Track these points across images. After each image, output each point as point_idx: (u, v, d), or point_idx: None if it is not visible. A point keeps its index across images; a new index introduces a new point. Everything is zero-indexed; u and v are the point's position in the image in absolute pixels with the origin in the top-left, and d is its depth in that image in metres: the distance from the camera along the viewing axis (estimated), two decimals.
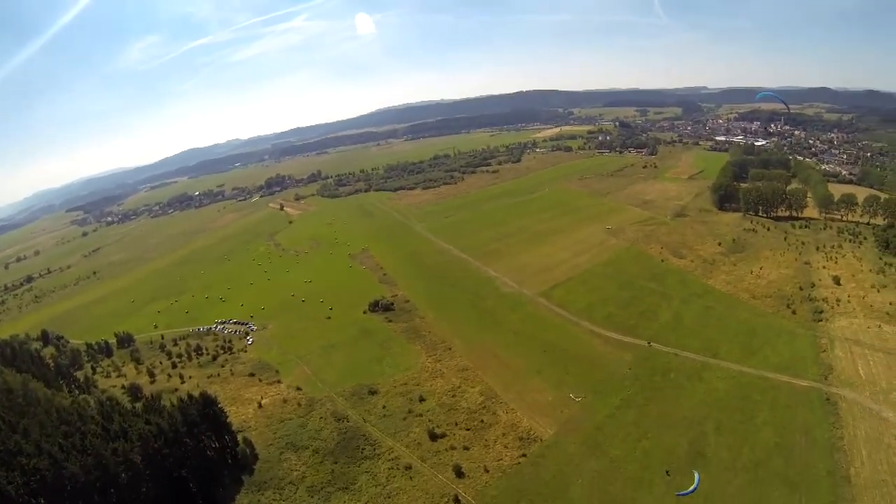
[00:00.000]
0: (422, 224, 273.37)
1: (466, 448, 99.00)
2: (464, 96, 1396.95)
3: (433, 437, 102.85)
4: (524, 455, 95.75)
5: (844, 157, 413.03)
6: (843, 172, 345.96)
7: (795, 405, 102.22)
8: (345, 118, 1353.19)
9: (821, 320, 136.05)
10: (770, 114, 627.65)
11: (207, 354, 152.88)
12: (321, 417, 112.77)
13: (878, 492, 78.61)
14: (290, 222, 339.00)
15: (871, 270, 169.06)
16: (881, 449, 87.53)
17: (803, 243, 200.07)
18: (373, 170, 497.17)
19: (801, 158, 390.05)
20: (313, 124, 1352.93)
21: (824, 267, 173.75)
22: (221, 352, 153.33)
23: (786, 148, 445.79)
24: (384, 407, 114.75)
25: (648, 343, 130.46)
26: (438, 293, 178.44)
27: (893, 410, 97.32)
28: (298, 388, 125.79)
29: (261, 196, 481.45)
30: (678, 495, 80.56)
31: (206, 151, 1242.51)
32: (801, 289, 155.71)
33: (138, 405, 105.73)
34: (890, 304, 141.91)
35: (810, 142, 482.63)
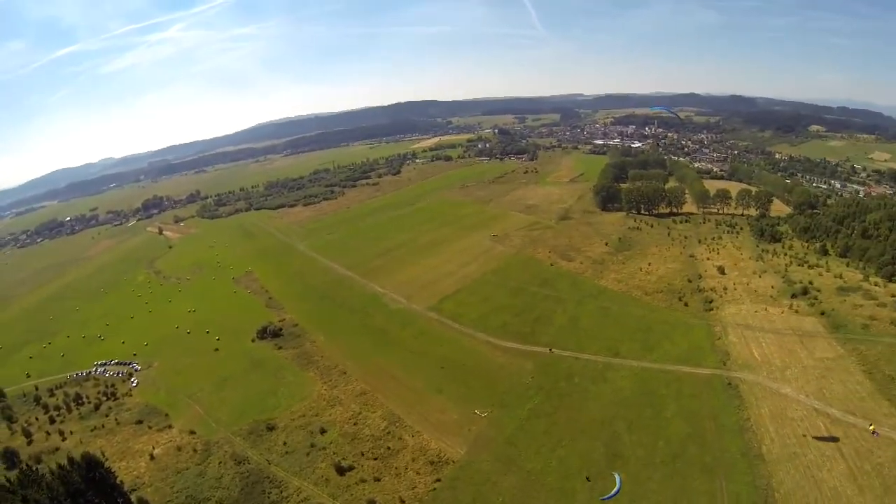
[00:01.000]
0: (304, 242, 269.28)
1: (377, 479, 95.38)
2: (343, 109, 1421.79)
3: (340, 470, 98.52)
4: (438, 480, 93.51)
5: (715, 155, 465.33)
6: (715, 169, 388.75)
7: (700, 393, 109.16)
8: (223, 134, 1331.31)
9: (712, 309, 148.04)
10: (644, 118, 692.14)
11: (89, 403, 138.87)
12: (220, 462, 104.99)
13: (791, 464, 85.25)
14: (170, 247, 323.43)
15: (750, 258, 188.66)
16: (786, 424, 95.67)
17: (686, 237, 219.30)
18: (253, 187, 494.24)
19: (675, 158, 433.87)
20: (190, 141, 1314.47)
21: (708, 258, 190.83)
22: (104, 398, 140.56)
23: (661, 149, 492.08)
24: (285, 443, 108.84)
25: (549, 349, 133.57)
26: (327, 314, 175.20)
27: (791, 386, 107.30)
28: (192, 432, 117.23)
29: (138, 220, 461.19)
30: (603, 500, 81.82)
31: (78, 172, 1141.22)
32: (689, 281, 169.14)
33: (13, 475, 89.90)
34: (772, 287, 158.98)
35: (683, 142, 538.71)
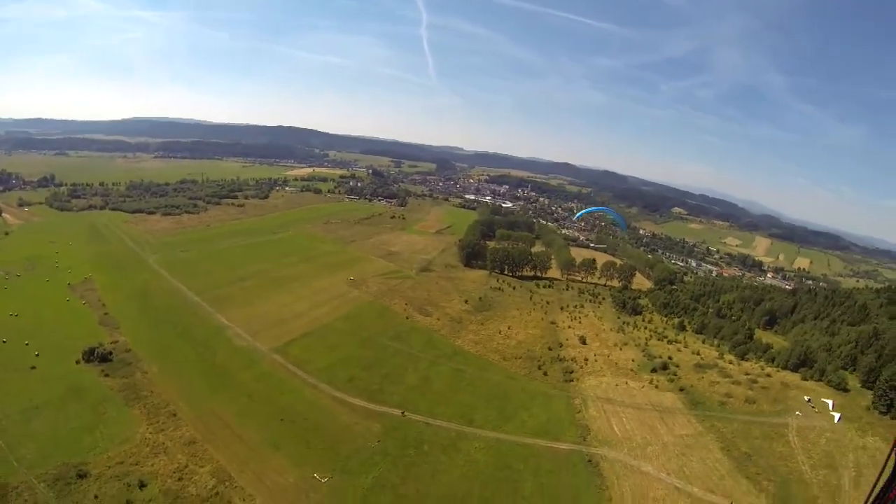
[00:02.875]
0: (156, 256, 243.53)
1: None
2: (224, 121, 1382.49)
3: None
4: None
5: (583, 224, 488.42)
6: (582, 237, 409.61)
7: (559, 470, 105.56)
8: (95, 119, 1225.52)
9: (572, 380, 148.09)
10: (519, 180, 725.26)
11: None
12: None
13: None
14: (7, 233, 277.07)
15: (611, 329, 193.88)
16: (648, 503, 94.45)
17: (548, 302, 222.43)
18: (114, 185, 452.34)
19: (544, 222, 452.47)
20: (59, 119, 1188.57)
21: (570, 326, 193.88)
22: None
23: (531, 212, 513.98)
24: (96, 497, 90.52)
25: (402, 413, 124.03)
26: (165, 342, 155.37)
27: (652, 464, 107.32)
28: None
29: None
30: None
31: None
32: (549, 349, 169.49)
33: None
34: (632, 360, 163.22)
35: (553, 208, 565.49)
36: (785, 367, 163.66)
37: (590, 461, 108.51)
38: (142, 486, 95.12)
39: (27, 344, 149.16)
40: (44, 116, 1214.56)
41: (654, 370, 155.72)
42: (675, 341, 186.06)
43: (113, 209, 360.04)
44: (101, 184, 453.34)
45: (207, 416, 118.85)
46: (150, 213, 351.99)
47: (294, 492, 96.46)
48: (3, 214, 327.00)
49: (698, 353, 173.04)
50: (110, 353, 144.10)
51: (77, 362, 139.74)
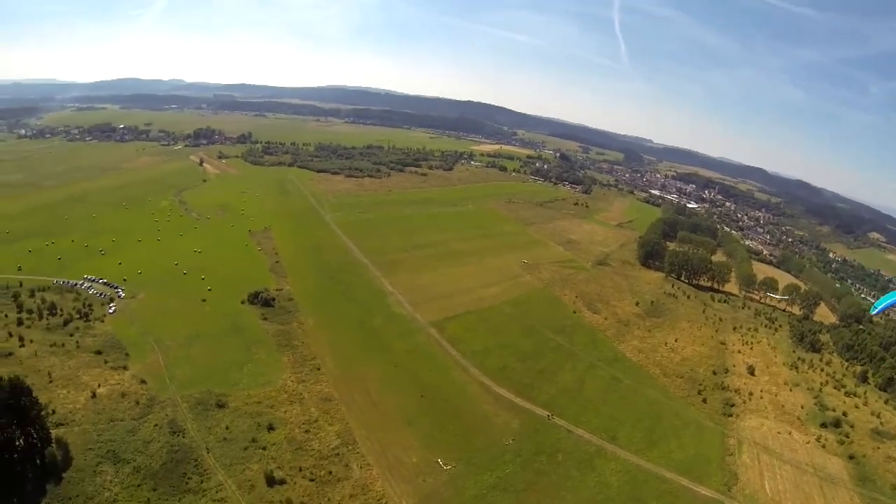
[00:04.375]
0: (334, 214, 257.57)
1: None
2: (415, 93, 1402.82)
3: (271, 481, 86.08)
4: None
5: (768, 237, 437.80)
6: (765, 252, 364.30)
7: None
8: (293, 86, 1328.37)
9: (731, 415, 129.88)
10: (706, 180, 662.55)
11: (60, 316, 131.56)
12: (156, 425, 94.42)
13: None
14: (205, 181, 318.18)
15: (784, 364, 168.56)
16: None
17: (721, 319, 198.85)
18: (304, 145, 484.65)
19: (728, 230, 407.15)
20: (261, 84, 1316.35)
21: (739, 351, 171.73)
22: (76, 316, 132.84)
23: (715, 216, 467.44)
24: (227, 428, 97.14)
25: (549, 416, 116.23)
26: (326, 298, 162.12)
27: None
28: (143, 382, 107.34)
29: (185, 145, 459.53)
30: None
31: (146, 85, 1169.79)
32: (714, 373, 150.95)
33: None
34: (801, 407, 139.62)
35: (738, 215, 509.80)
36: None
37: None
38: (270, 428, 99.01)
39: (203, 278, 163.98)
40: (247, 82, 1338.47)
41: (824, 425, 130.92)
42: (854, 394, 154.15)
43: (300, 167, 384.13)
44: (293, 143, 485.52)
45: (349, 377, 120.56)
46: (335, 173, 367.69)
47: (413, 472, 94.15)
48: (204, 164, 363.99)
49: (879, 416, 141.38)
50: (273, 299, 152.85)
51: (242, 302, 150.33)
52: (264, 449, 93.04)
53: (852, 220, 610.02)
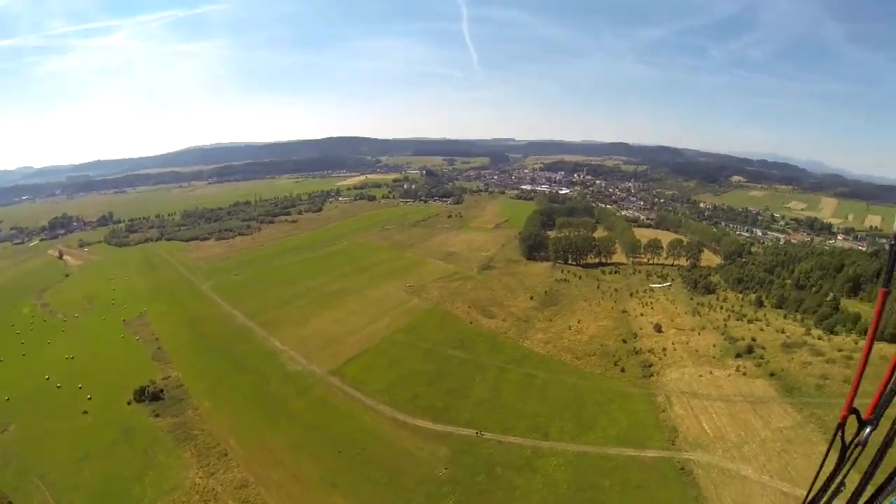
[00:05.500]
0: (209, 282, 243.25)
1: None
2: (275, 139, 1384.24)
3: None
4: None
5: (641, 203, 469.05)
6: (642, 217, 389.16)
7: (649, 483, 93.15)
8: (151, 154, 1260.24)
9: (651, 375, 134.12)
10: (574, 165, 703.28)
11: None
12: None
13: None
14: (67, 275, 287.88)
15: (686, 313, 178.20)
16: None
17: (616, 290, 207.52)
18: (169, 215, 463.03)
19: (603, 206, 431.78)
20: (116, 158, 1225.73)
21: (642, 314, 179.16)
22: None
23: (588, 196, 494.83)
24: None
25: (477, 433, 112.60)
26: (217, 374, 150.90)
27: (751, 466, 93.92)
28: None
29: (41, 240, 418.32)
30: None
31: None
32: (624, 341, 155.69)
33: None
34: (713, 345, 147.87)
35: (610, 190, 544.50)
36: (881, 339, 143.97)
37: (682, 469, 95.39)
38: None
39: (80, 387, 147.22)
40: (102, 158, 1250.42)
41: (738, 355, 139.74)
42: (756, 320, 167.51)
43: (168, 239, 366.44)
44: (157, 216, 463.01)
45: (260, 454, 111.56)
46: (205, 239, 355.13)
47: None
48: (65, 257, 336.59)
49: (783, 331, 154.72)
50: (161, 391, 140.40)
51: (129, 403, 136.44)
52: None
53: (714, 171, 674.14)
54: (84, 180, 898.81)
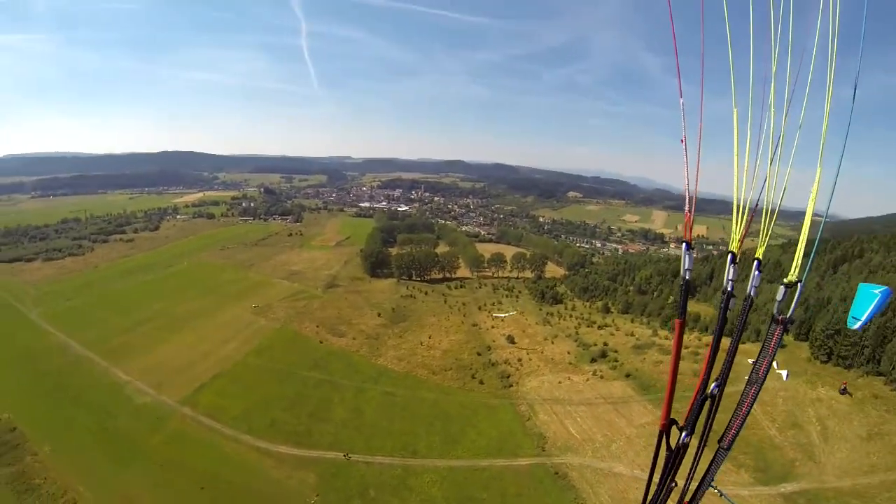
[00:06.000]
0: (38, 309, 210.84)
1: None
2: (106, 151, 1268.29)
3: None
4: None
5: (481, 219, 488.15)
6: (483, 233, 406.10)
7: (527, 491, 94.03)
8: None
9: (511, 385, 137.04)
10: (411, 182, 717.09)
11: None
12: None
13: None
14: None
15: (537, 323, 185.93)
16: None
17: (464, 304, 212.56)
18: None
19: (443, 222, 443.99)
20: None
21: (493, 326, 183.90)
22: None
23: (428, 213, 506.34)
24: None
25: (346, 455, 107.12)
26: (55, 414, 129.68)
27: (622, 462, 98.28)
28: None
29: None
30: None
31: None
32: (479, 354, 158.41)
33: None
34: (568, 352, 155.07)
35: (449, 206, 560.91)
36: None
37: (556, 473, 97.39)
38: None
39: None
40: None
41: (593, 360, 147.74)
42: (605, 325, 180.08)
43: None
44: None
45: (114, 499, 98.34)
46: (30, 260, 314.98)
47: None
48: None
49: (632, 334, 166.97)
50: None
51: None
52: None
53: (551, 187, 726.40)
54: None
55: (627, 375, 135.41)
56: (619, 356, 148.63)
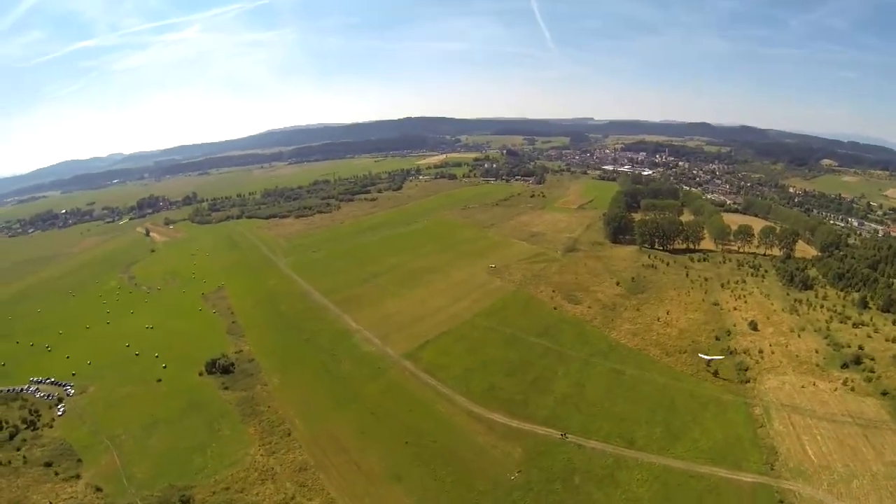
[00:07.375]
0: (287, 259, 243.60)
1: None
2: (352, 121, 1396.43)
3: None
4: None
5: (727, 186, 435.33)
6: (729, 202, 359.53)
7: None
8: (232, 138, 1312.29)
9: (748, 380, 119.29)
10: (655, 145, 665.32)
11: (5, 429, 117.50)
12: None
13: None
14: (153, 251, 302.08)
15: (783, 310, 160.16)
16: None
17: (706, 279, 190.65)
18: (250, 194, 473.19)
19: (688, 188, 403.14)
20: (200, 142, 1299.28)
21: (735, 308, 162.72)
22: (23, 426, 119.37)
23: (672, 178, 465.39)
24: None
25: (563, 434, 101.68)
26: (288, 351, 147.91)
27: None
28: (98, 489, 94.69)
29: (130, 218, 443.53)
30: None
31: (85, 165, 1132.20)
32: (717, 338, 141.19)
33: None
34: (816, 352, 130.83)
35: (694, 172, 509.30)
36: None
37: (781, 502, 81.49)
38: None
39: (157, 356, 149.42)
40: (186, 143, 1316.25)
41: (844, 365, 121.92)
42: (862, 324, 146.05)
43: (249, 217, 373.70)
44: (239, 195, 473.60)
45: (324, 438, 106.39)
46: (284, 216, 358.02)
47: None
48: (151, 234, 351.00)
49: (895, 341, 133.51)
50: (232, 365, 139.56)
51: (200, 374, 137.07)
52: None
53: (803, 153, 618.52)
54: (170, 164, 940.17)
55: (884, 393, 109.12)
56: (875, 366, 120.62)
